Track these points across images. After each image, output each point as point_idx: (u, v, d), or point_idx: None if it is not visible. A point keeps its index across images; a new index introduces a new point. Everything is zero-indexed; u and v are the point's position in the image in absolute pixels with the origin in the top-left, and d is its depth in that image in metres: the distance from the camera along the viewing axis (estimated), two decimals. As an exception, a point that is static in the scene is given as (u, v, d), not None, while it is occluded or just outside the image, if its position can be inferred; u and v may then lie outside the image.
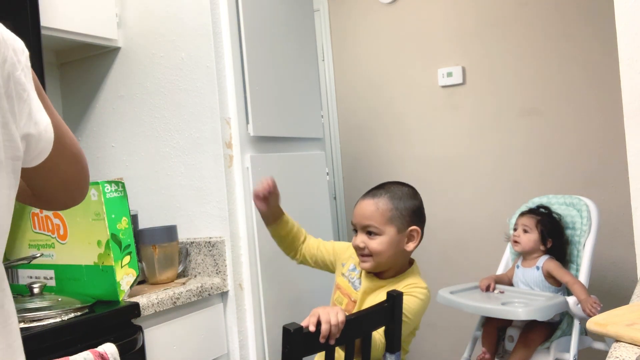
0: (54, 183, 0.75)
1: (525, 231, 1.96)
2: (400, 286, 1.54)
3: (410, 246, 1.54)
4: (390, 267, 1.57)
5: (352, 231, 1.61)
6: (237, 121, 1.78)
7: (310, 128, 2.14)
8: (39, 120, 0.64)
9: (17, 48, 0.63)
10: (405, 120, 2.79)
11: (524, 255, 2.00)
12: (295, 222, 1.76)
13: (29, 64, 0.65)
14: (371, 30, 2.87)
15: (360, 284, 1.63)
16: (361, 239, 1.54)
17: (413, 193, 1.60)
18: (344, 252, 1.70)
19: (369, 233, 1.53)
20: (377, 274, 1.62)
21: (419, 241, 1.56)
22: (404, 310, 1.45)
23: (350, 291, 1.64)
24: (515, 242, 1.98)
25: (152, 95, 1.88)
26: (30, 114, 0.63)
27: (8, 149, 0.60)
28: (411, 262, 1.63)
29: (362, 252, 1.55)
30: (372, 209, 1.53)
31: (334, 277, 1.74)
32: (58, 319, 1.25)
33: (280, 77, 1.97)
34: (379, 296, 1.56)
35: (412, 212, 1.55)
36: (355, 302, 1.60)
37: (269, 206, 1.66)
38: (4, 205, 0.60)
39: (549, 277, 1.91)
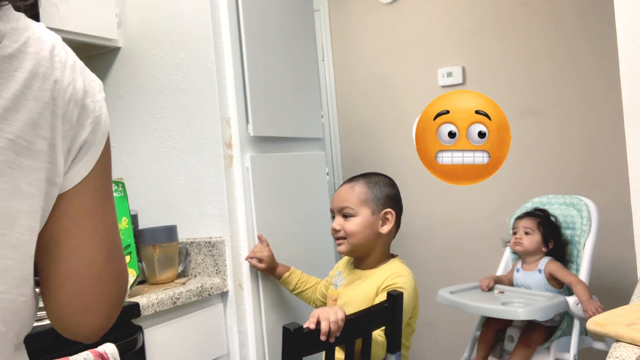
0: (71, 287, 0.62)
1: (527, 233, 1.96)
2: (379, 275, 1.57)
3: (384, 229, 1.59)
4: (367, 251, 1.61)
5: (331, 219, 1.67)
6: (237, 121, 1.78)
7: (310, 128, 2.14)
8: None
9: (93, 79, 0.61)
10: (405, 120, 2.78)
11: (525, 258, 1.99)
12: (303, 276, 1.83)
13: (103, 111, 0.62)
14: (371, 30, 2.87)
15: (341, 282, 1.67)
16: (337, 221, 1.61)
17: (390, 182, 1.67)
18: (334, 270, 1.77)
19: (345, 216, 1.60)
20: (357, 265, 1.65)
21: (395, 226, 1.62)
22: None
23: (332, 292, 1.68)
24: (517, 243, 1.97)
25: (152, 95, 1.88)
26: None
27: (48, 171, 0.56)
28: (393, 255, 1.67)
29: (337, 235, 1.61)
30: (348, 192, 1.61)
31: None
32: (58, 319, 1.25)
33: (280, 77, 1.97)
34: (359, 287, 1.59)
35: (387, 196, 1.61)
36: (336, 300, 1.64)
37: (268, 264, 1.76)
38: (24, 226, 0.55)
39: (552, 279, 1.90)
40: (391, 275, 1.54)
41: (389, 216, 1.60)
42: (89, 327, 0.65)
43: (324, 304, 1.77)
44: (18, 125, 0.52)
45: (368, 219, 1.58)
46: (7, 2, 0.54)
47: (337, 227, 1.60)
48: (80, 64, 0.60)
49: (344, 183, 1.67)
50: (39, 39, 0.56)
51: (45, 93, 0.54)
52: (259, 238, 1.79)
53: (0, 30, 0.52)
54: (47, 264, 0.60)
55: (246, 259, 1.76)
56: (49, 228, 0.58)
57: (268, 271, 1.79)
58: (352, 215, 1.59)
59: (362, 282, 1.60)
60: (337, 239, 1.62)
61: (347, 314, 1.53)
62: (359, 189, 1.60)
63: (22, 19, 0.55)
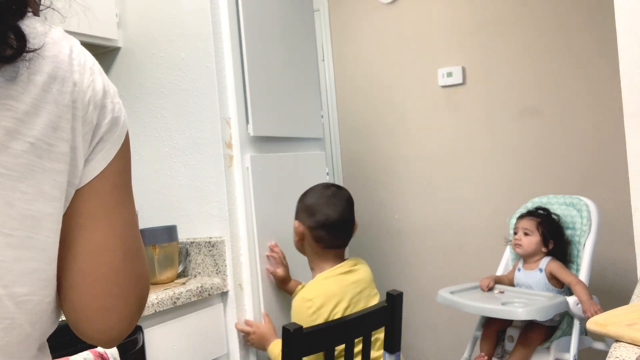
0: (90, 283, 0.60)
1: (526, 234, 1.96)
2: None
3: (294, 238, 1.71)
4: (308, 258, 1.72)
5: None
6: (237, 121, 1.78)
7: (310, 128, 2.14)
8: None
9: (110, 87, 0.62)
10: (405, 120, 2.79)
11: (525, 258, 1.99)
12: None
13: (122, 113, 0.62)
14: (371, 30, 2.87)
15: None
16: None
17: (310, 191, 1.72)
18: None
19: None
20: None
21: (303, 236, 1.68)
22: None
23: None
24: (517, 245, 1.98)
25: (152, 95, 1.88)
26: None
27: (70, 174, 0.56)
28: (337, 260, 1.69)
29: None
30: None
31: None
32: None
33: (280, 77, 1.97)
34: None
35: (300, 208, 1.71)
36: None
37: (286, 271, 1.83)
38: (49, 229, 0.55)
39: (552, 278, 1.90)
40: (294, 301, 1.62)
41: (296, 225, 1.69)
42: (106, 331, 0.62)
43: None
44: (39, 129, 0.52)
45: (295, 228, 1.70)
46: (30, 10, 0.55)
47: None
48: (98, 67, 0.61)
49: None
50: (57, 42, 0.56)
51: (65, 96, 0.55)
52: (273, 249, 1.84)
53: (20, 35, 0.52)
54: (62, 262, 0.59)
55: (268, 255, 1.81)
56: (65, 225, 0.58)
57: (283, 279, 1.83)
58: None
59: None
60: None
61: None
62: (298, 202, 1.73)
63: (41, 23, 0.56)
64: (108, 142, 0.59)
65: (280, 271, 1.81)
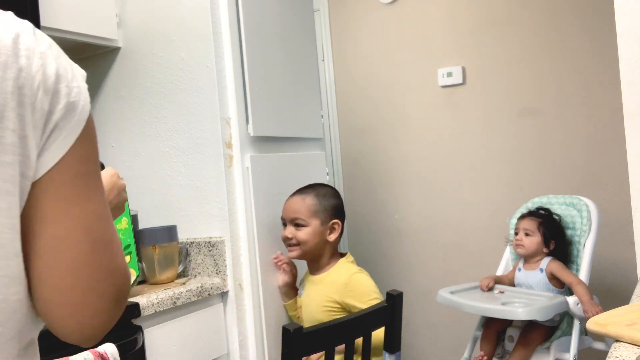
0: (60, 276, 0.57)
1: (527, 234, 1.95)
2: (330, 280, 1.73)
3: (331, 237, 1.76)
4: (316, 256, 1.78)
5: (282, 225, 1.82)
6: (237, 121, 1.78)
7: (310, 128, 2.14)
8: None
9: (71, 66, 0.58)
10: (405, 120, 2.79)
11: (526, 258, 1.99)
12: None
13: (82, 98, 0.58)
14: (371, 30, 2.87)
15: (302, 290, 1.83)
16: (289, 230, 1.77)
17: (335, 193, 1.84)
18: (300, 283, 1.90)
19: (297, 225, 1.75)
20: (311, 271, 1.82)
21: (340, 233, 1.79)
22: (366, 292, 1.65)
23: (299, 301, 1.85)
24: (518, 245, 1.97)
25: (152, 95, 1.88)
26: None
27: (21, 165, 0.53)
28: (342, 254, 1.83)
29: (290, 243, 1.77)
30: (300, 204, 1.76)
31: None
32: (58, 319, 1.25)
33: (280, 77, 1.97)
34: (313, 293, 1.76)
35: (333, 208, 1.78)
36: (301, 307, 1.81)
37: (294, 276, 1.87)
38: (4, 224, 0.52)
39: (553, 278, 1.90)
40: (350, 279, 1.69)
41: (335, 226, 1.76)
42: (81, 328, 0.59)
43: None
44: None
45: (318, 228, 1.74)
46: None
47: (290, 236, 1.75)
48: (55, 51, 0.57)
49: (295, 194, 1.80)
50: (0, 27, 0.53)
51: (8, 82, 0.51)
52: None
53: None
54: (28, 258, 0.56)
55: (280, 263, 1.84)
56: (26, 220, 0.55)
57: (291, 282, 1.86)
58: (303, 225, 1.74)
59: (315, 287, 1.76)
60: (289, 245, 1.77)
61: (304, 317, 1.75)
62: (309, 201, 1.75)
63: None
64: (64, 129, 0.56)
65: (295, 271, 1.86)
